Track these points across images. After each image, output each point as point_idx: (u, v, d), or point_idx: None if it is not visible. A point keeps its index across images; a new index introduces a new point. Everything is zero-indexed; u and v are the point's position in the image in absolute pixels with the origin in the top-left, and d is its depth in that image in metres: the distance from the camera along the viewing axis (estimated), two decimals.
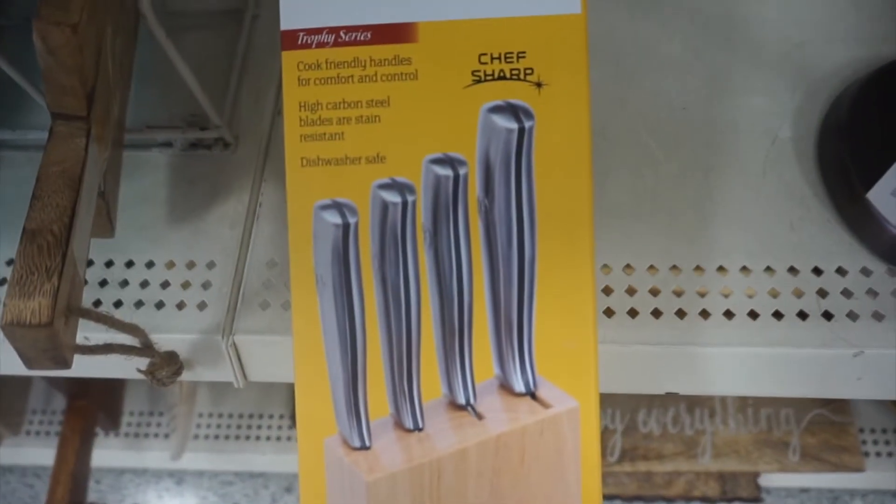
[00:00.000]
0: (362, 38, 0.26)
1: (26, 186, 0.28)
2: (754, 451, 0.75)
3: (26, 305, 0.25)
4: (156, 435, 0.81)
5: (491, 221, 0.26)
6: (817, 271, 0.35)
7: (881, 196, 0.33)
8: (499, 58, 0.26)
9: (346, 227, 0.26)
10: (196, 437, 0.80)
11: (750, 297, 0.34)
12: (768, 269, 0.35)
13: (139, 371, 0.34)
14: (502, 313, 0.26)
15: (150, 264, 0.38)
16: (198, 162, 0.40)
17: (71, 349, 0.27)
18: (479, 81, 0.26)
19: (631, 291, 0.35)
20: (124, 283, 0.37)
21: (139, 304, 0.37)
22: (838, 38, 0.41)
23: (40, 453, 0.79)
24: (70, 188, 0.27)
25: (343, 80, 0.26)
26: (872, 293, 0.34)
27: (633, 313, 0.34)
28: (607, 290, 0.35)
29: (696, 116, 0.39)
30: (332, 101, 0.26)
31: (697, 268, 0.35)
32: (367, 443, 0.26)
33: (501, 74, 0.26)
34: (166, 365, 0.34)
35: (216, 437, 0.80)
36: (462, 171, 0.26)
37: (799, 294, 0.34)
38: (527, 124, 0.26)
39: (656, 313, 0.34)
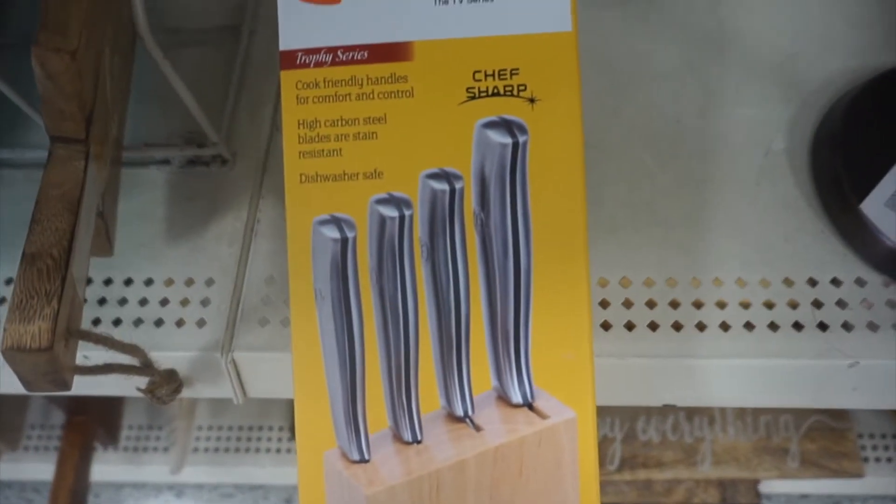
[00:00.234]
0: (359, 57, 0.27)
1: (25, 205, 0.28)
2: (754, 458, 0.75)
3: (26, 330, 0.25)
4: (155, 449, 0.80)
5: (487, 234, 0.26)
6: (812, 282, 0.35)
7: (874, 207, 0.34)
8: (492, 75, 0.26)
9: (344, 241, 0.26)
10: (195, 450, 0.79)
11: (745, 308, 0.34)
12: (763, 280, 0.35)
13: (139, 390, 0.34)
14: (499, 325, 0.27)
15: (148, 282, 0.38)
16: (196, 179, 0.40)
17: (71, 371, 0.27)
18: (473, 98, 0.26)
19: (627, 304, 0.35)
20: (123, 301, 0.37)
21: (138, 321, 0.37)
22: (831, 49, 0.41)
23: (39, 469, 0.79)
24: (69, 211, 0.27)
25: (341, 97, 0.27)
26: (867, 304, 0.34)
27: (629, 326, 0.34)
28: (604, 304, 0.35)
29: (690, 128, 0.39)
30: (330, 119, 0.27)
31: (693, 279, 0.35)
32: (367, 456, 0.27)
33: (495, 91, 0.26)
34: (166, 383, 0.34)
35: (216, 449, 0.79)
36: (458, 186, 0.26)
37: (794, 305, 0.34)
38: (521, 139, 0.26)
39: (653, 326, 0.34)
